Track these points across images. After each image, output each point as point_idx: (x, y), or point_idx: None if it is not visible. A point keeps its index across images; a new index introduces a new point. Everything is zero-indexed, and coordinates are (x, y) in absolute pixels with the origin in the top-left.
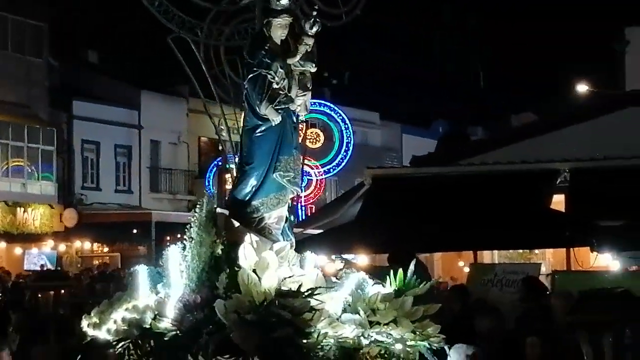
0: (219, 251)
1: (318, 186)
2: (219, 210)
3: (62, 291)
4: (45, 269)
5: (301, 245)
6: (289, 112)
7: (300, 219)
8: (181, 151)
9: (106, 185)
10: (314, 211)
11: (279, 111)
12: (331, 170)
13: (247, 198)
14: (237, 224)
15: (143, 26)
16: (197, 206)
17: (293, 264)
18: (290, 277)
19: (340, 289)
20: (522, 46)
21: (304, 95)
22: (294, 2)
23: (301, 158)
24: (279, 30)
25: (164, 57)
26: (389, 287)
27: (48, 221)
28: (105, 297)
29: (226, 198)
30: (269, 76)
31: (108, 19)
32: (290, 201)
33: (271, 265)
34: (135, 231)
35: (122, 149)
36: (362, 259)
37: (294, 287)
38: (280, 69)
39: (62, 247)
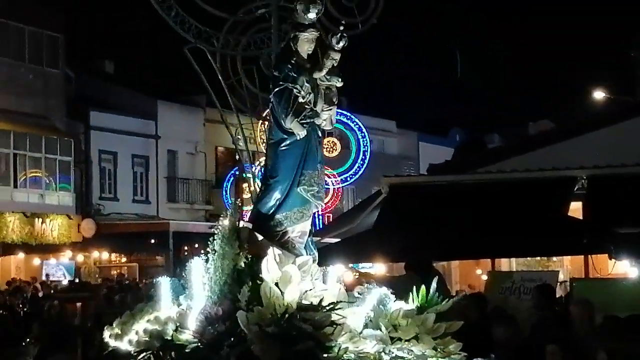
0: (242, 264)
1: (335, 195)
2: (242, 223)
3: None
4: (63, 280)
5: (319, 254)
6: (314, 127)
7: (318, 228)
8: (198, 161)
9: (124, 195)
10: (331, 220)
11: (305, 125)
12: (348, 179)
13: (271, 212)
14: (260, 237)
15: (159, 37)
16: (220, 219)
17: (315, 278)
18: (311, 290)
19: (361, 304)
20: (540, 54)
21: (330, 109)
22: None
23: (324, 171)
24: (305, 44)
25: (180, 67)
26: (411, 303)
27: (66, 232)
28: (124, 308)
29: (243, 208)
30: (295, 90)
31: (124, 29)
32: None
33: (293, 279)
34: (153, 241)
35: (139, 159)
36: (380, 267)
37: (316, 301)
38: (306, 84)
39: (80, 257)
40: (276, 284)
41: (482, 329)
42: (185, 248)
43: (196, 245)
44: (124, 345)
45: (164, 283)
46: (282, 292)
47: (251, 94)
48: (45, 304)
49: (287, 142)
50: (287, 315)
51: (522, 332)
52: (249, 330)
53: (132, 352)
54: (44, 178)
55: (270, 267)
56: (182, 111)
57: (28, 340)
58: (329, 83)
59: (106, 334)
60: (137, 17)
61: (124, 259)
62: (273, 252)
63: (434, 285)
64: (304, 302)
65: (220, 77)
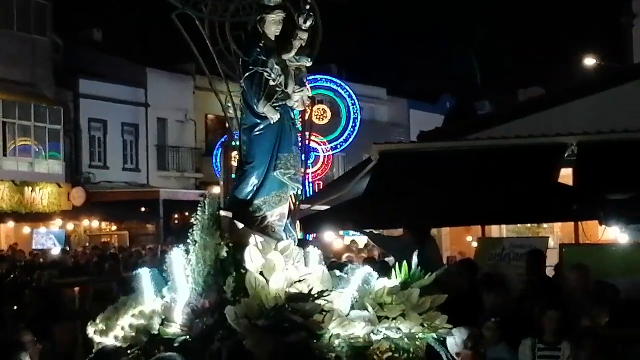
0: (224, 254)
1: (325, 162)
2: (222, 212)
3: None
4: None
5: (309, 221)
6: (287, 109)
7: (308, 195)
8: (188, 129)
9: (113, 163)
10: (321, 187)
11: (277, 108)
12: (338, 146)
13: (249, 197)
14: (240, 225)
15: (148, 4)
16: (199, 208)
17: (297, 261)
18: (299, 280)
19: (346, 285)
20: (528, 20)
21: (301, 90)
22: None
23: (301, 155)
24: (272, 26)
25: (169, 35)
26: (394, 279)
27: (56, 200)
28: (115, 276)
29: (232, 177)
30: (265, 73)
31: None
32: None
33: (277, 266)
34: (143, 209)
35: (129, 127)
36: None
37: (303, 289)
38: (275, 66)
39: (70, 226)
40: (260, 273)
41: (472, 295)
42: (176, 216)
43: (186, 213)
44: (109, 341)
45: (145, 275)
46: (267, 281)
47: (240, 60)
48: (34, 273)
49: (261, 126)
50: (276, 307)
51: (512, 298)
52: (238, 325)
53: (120, 348)
54: (33, 146)
55: (253, 255)
56: (171, 79)
57: (15, 308)
58: (299, 63)
59: (90, 329)
60: None
61: (114, 227)
62: (255, 240)
63: (415, 259)
64: (290, 290)
65: (208, 44)
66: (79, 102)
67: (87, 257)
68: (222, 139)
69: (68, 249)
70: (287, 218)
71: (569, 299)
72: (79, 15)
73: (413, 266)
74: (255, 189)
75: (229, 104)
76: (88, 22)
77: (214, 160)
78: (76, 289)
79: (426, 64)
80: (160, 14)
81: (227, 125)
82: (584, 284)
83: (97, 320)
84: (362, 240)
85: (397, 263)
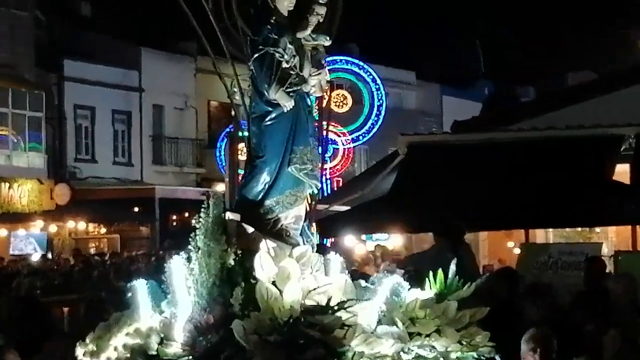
0: (231, 262)
1: (345, 156)
2: (229, 214)
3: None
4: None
5: (327, 223)
6: (302, 95)
7: (326, 194)
8: (188, 117)
9: (103, 156)
10: (340, 185)
11: (291, 94)
12: (360, 137)
13: (260, 197)
14: (250, 229)
15: None
16: (203, 210)
17: (317, 269)
18: (316, 289)
19: (372, 296)
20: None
21: (319, 73)
22: None
23: (318, 147)
24: (285, 0)
25: (167, 9)
26: (428, 290)
27: (37, 198)
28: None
29: (239, 172)
30: (277, 54)
31: None
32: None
33: (293, 275)
34: (136, 209)
35: (120, 115)
36: (396, 239)
37: (322, 300)
38: (289, 45)
39: (53, 228)
40: (273, 283)
41: (513, 309)
42: (174, 217)
43: (186, 214)
44: None
45: (141, 286)
46: (280, 292)
47: (248, 38)
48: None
49: (273, 115)
50: (290, 320)
51: (560, 311)
52: (247, 341)
53: None
54: (11, 136)
55: (265, 263)
56: (169, 60)
57: None
58: (316, 42)
59: (79, 351)
60: None
61: (103, 230)
62: (266, 245)
63: (452, 267)
64: (307, 302)
65: (212, 20)
66: (64, 86)
67: (70, 263)
68: (228, 129)
69: (50, 254)
70: (304, 220)
71: (614, 313)
72: None
73: (450, 275)
74: (267, 187)
75: (236, 89)
76: None
77: (217, 154)
78: (65, 309)
79: (461, 43)
80: None
81: (233, 113)
82: (632, 296)
83: (87, 340)
84: (387, 244)
85: (431, 273)
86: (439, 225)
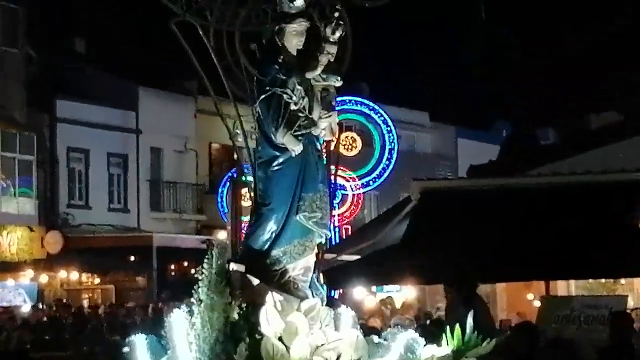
0: (235, 316)
1: (355, 202)
2: (233, 265)
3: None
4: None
5: (335, 274)
6: (312, 139)
7: (334, 243)
8: (188, 161)
9: (97, 202)
10: (350, 233)
11: (300, 138)
12: (371, 182)
13: (266, 247)
14: (255, 281)
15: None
16: (206, 260)
17: (326, 324)
18: (325, 345)
19: (386, 353)
20: (603, 32)
21: (329, 116)
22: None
23: (328, 194)
24: (294, 38)
25: (166, 47)
26: (445, 346)
27: (27, 246)
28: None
29: (242, 219)
30: (285, 96)
31: (99, 1)
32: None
33: (300, 330)
34: (132, 258)
35: (116, 158)
36: (409, 291)
37: (331, 357)
38: (298, 86)
39: (44, 278)
40: (279, 339)
41: None
42: (172, 267)
43: (185, 264)
44: None
45: (140, 342)
46: (287, 348)
47: (252, 78)
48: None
49: (280, 160)
50: None
51: None
52: None
53: None
54: (0, 181)
55: (271, 317)
56: (168, 100)
57: None
58: (326, 83)
59: None
60: None
61: (97, 280)
62: (272, 298)
63: (470, 322)
64: (316, 359)
65: (214, 58)
66: (56, 127)
67: (60, 313)
68: (230, 174)
69: (41, 306)
70: (313, 272)
71: None
72: (59, 23)
73: (467, 331)
74: (273, 236)
75: (238, 131)
76: (69, 30)
77: (219, 200)
78: None
79: (477, 82)
80: (156, 21)
81: (235, 156)
82: None
83: None
84: (399, 297)
85: (448, 327)
86: (451, 275)
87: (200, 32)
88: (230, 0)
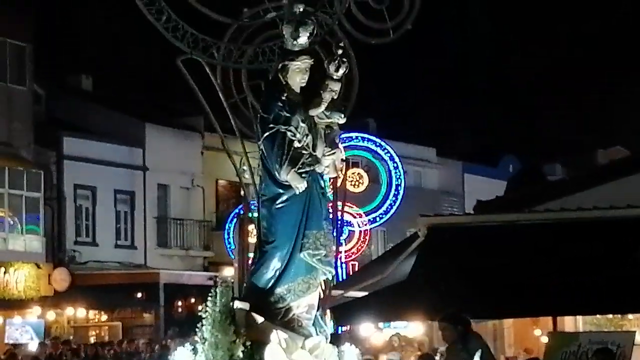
0: (240, 354)
1: (362, 239)
2: (237, 303)
3: None
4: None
5: (342, 310)
6: (315, 176)
7: (340, 279)
8: (195, 197)
9: (104, 239)
10: (356, 269)
11: (304, 175)
12: (377, 219)
13: (270, 285)
14: (260, 319)
15: (148, 47)
16: (210, 299)
17: None
18: None
19: None
20: (608, 69)
21: (333, 153)
22: (317, 38)
23: (332, 231)
24: (297, 75)
25: (173, 84)
26: None
27: (34, 284)
28: None
29: (249, 256)
30: (288, 133)
31: (104, 38)
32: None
33: None
34: (139, 295)
35: (123, 195)
36: (416, 327)
37: None
38: (301, 124)
39: (51, 315)
40: None
41: None
42: (179, 304)
43: (192, 300)
44: None
45: None
46: None
47: (258, 116)
48: None
49: (284, 197)
50: None
51: None
52: None
53: None
54: (8, 219)
55: (275, 355)
56: (175, 137)
57: None
58: (330, 120)
59: None
60: (121, 23)
61: (104, 317)
62: (277, 336)
63: (477, 358)
64: None
65: (221, 96)
66: (63, 164)
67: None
68: (237, 210)
69: (48, 343)
70: (317, 309)
71: None
72: (65, 60)
73: None
74: (277, 274)
75: (245, 168)
76: (75, 68)
77: (226, 236)
78: None
79: (484, 118)
80: (163, 58)
81: (242, 193)
82: None
83: None
84: (407, 333)
85: None
86: (445, 315)
87: (207, 70)
88: (237, 38)
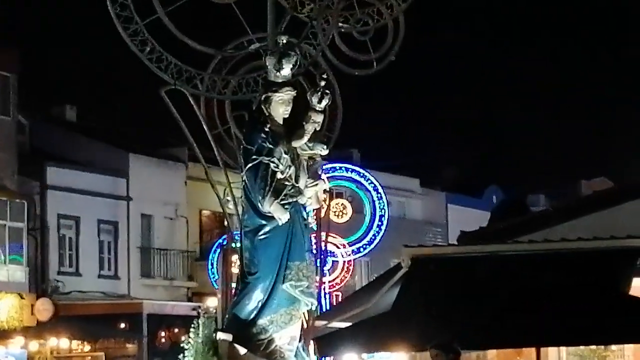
0: None
1: (345, 269)
2: (220, 334)
3: None
4: None
5: (326, 341)
6: (298, 207)
7: (324, 309)
8: (179, 227)
9: (87, 269)
10: (340, 300)
11: (286, 207)
12: (361, 249)
13: (253, 316)
14: (242, 350)
15: (132, 77)
16: (192, 330)
17: None
18: None
19: None
20: (593, 99)
21: (315, 184)
22: (300, 69)
23: (315, 262)
24: (280, 107)
25: (157, 114)
26: None
27: (17, 314)
28: None
29: (232, 286)
30: (271, 165)
31: (88, 68)
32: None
33: None
34: (123, 325)
35: (106, 225)
36: (400, 358)
37: None
38: (284, 155)
39: (33, 345)
40: None
41: None
42: (163, 334)
43: (176, 330)
44: None
45: None
46: None
47: (241, 147)
48: None
49: (267, 229)
50: None
51: None
52: None
53: None
54: None
55: None
56: (159, 167)
57: None
58: (312, 152)
59: None
60: (105, 54)
61: (87, 348)
62: None
63: None
64: None
65: (204, 126)
66: (47, 194)
67: None
68: (220, 240)
69: None
70: (300, 341)
71: None
72: (49, 91)
73: None
74: (260, 305)
75: (229, 198)
76: (59, 98)
77: (210, 267)
78: None
79: (468, 148)
80: (147, 89)
81: (226, 223)
82: None
83: None
84: None
85: None
86: (438, 343)
87: (191, 101)
88: (220, 69)
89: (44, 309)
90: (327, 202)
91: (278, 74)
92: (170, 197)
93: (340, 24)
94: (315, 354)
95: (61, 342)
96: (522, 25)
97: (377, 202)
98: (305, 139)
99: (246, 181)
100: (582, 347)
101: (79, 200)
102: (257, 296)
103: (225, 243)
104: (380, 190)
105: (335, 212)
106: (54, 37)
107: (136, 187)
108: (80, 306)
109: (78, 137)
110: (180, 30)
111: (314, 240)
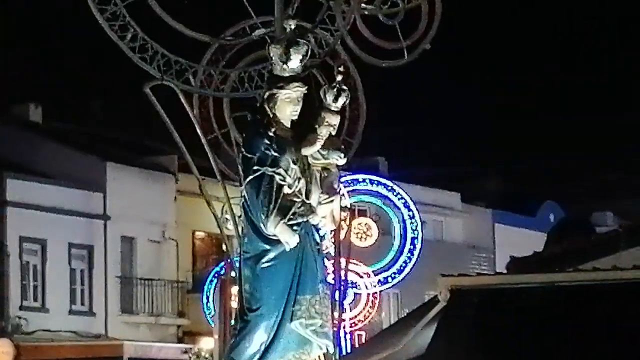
0: None
1: (370, 303)
2: None
3: None
4: None
5: None
6: (309, 229)
7: (344, 353)
8: (167, 253)
9: (56, 304)
10: (364, 340)
11: (295, 228)
12: (389, 279)
13: None
14: None
15: (109, 71)
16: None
17: None
18: None
19: None
20: None
21: (330, 201)
22: (314, 60)
23: (332, 294)
24: (288, 106)
25: (140, 116)
26: None
27: None
28: None
29: (232, 323)
30: (277, 177)
31: (57, 61)
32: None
33: None
34: None
35: (79, 249)
36: None
37: None
38: (292, 165)
39: None
40: None
41: None
42: None
43: None
44: None
45: None
46: None
47: (241, 155)
48: None
49: (271, 255)
50: None
51: None
52: None
53: None
54: None
55: None
56: (142, 179)
57: None
58: (327, 161)
59: None
60: (77, 44)
61: None
62: None
63: None
64: None
65: (198, 130)
66: (6, 212)
67: None
68: (218, 269)
69: None
70: None
71: None
72: (11, 87)
73: None
74: (263, 349)
75: (228, 217)
76: (22, 95)
77: (204, 301)
78: None
79: (519, 156)
80: (129, 85)
81: (224, 247)
82: None
83: None
84: None
85: None
86: None
87: (182, 99)
88: (218, 60)
89: (2, 352)
90: (347, 222)
91: (285, 66)
92: (156, 216)
93: (363, 5)
94: None
95: None
96: (571, 33)
97: (408, 222)
98: (319, 145)
99: (246, 197)
100: None
101: (46, 220)
102: (259, 337)
103: (223, 272)
104: (412, 207)
105: (357, 233)
106: (15, 24)
107: (115, 204)
108: (47, 348)
109: (44, 143)
110: (169, 14)
111: (330, 269)
